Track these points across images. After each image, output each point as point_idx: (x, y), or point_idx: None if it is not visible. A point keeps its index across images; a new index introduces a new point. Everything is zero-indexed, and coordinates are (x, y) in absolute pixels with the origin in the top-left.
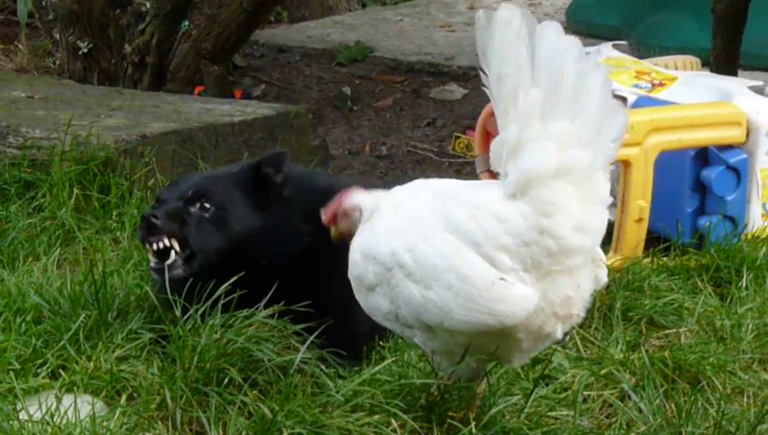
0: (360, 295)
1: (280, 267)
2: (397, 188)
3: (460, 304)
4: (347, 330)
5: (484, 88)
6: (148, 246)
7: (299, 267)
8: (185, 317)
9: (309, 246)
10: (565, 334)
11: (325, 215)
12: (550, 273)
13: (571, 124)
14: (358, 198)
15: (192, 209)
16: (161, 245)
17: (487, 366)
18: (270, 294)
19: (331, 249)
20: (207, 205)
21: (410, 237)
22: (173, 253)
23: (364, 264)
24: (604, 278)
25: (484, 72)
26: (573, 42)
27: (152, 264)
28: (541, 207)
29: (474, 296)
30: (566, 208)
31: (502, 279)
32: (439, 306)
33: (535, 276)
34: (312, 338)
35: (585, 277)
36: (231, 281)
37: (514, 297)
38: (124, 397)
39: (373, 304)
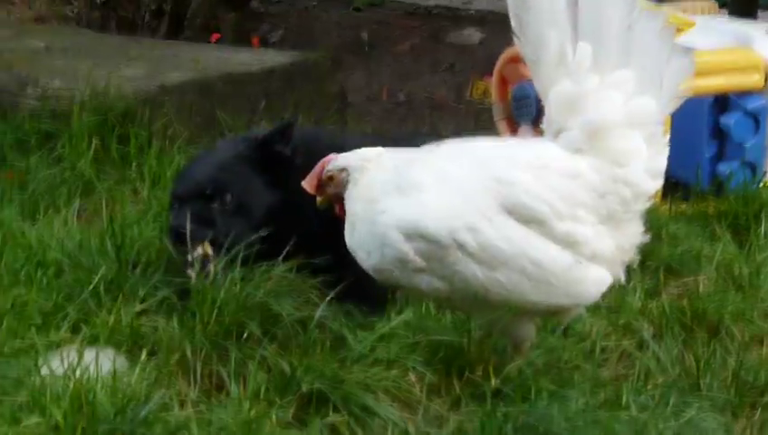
0: (393, 276)
1: (308, 235)
2: (431, 152)
3: (534, 286)
4: (367, 284)
5: (514, 37)
6: (181, 255)
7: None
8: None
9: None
10: None
11: (308, 184)
12: (622, 222)
13: (632, 72)
14: (342, 159)
15: (214, 206)
16: (195, 255)
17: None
18: (286, 251)
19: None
20: (228, 198)
21: (469, 217)
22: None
23: (405, 245)
24: None
25: (518, 38)
26: None
27: (189, 270)
28: (614, 158)
29: (550, 280)
30: (638, 155)
31: (579, 262)
32: (507, 287)
33: (610, 227)
34: (332, 294)
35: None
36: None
37: (591, 279)
38: (145, 352)
39: (418, 284)
